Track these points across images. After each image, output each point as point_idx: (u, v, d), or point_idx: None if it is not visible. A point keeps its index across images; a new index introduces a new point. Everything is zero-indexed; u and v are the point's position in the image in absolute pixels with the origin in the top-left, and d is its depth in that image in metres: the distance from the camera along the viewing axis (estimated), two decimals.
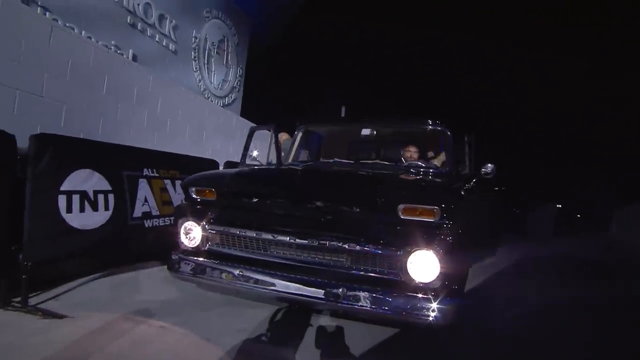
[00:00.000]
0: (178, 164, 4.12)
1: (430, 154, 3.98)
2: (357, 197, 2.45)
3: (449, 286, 2.16)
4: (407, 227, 2.24)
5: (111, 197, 3.21)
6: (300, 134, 4.16)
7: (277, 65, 15.79)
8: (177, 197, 3.99)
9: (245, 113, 10.03)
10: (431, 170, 3.33)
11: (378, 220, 2.33)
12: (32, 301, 2.63)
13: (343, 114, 13.05)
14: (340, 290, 2.29)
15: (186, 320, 2.58)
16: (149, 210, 3.62)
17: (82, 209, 2.96)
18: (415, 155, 3.97)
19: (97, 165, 3.11)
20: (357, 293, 2.25)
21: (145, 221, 3.56)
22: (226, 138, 7.40)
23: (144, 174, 3.65)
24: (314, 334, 2.50)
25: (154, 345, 2.22)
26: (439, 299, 2.12)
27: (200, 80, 8.63)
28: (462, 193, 2.59)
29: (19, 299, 2.55)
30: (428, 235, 2.18)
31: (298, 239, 2.39)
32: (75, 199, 2.90)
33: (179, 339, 2.32)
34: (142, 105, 5.46)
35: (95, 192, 3.08)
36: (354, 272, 2.32)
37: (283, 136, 5.45)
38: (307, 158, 4.24)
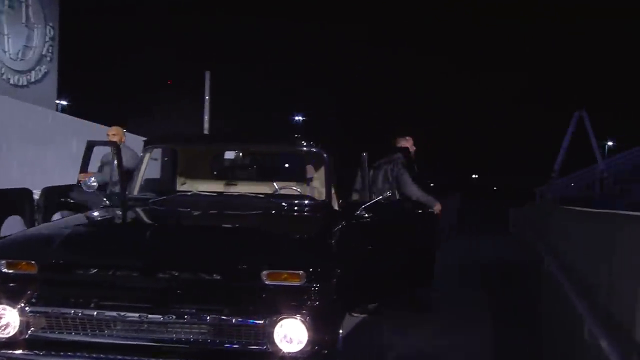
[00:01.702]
0: None
1: (310, 175, 4.19)
2: (217, 263, 2.53)
3: (318, 354, 2.39)
4: (272, 293, 2.40)
5: None
6: (148, 155, 3.94)
7: (113, 20, 14.12)
8: None
9: (63, 95, 8.97)
10: (306, 204, 3.57)
11: (241, 288, 2.45)
12: None
13: (207, 82, 12.53)
14: None
15: None
16: None
17: None
18: None
19: None
20: None
21: None
22: (41, 145, 6.35)
23: None
24: None
25: None
26: None
27: None
28: (336, 243, 2.88)
29: None
30: (295, 301, 2.38)
31: (150, 314, 2.39)
32: None
33: None
34: None
35: None
36: (217, 347, 2.40)
37: (112, 134, 5.03)
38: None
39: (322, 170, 3.93)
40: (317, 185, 4.13)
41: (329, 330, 2.52)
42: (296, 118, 30.50)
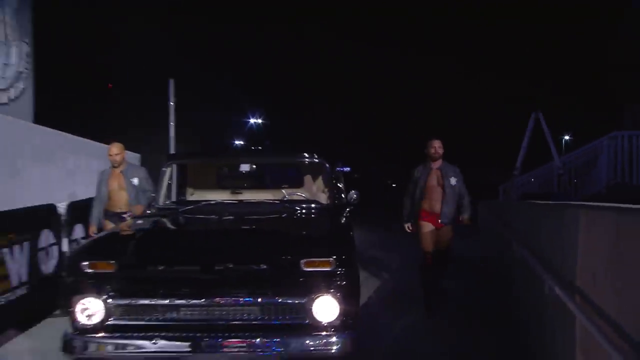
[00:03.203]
0: (10, 222, 4.09)
1: (309, 184, 5.04)
2: (264, 256, 3.27)
3: (346, 322, 3.19)
4: (309, 277, 3.18)
5: None
6: (169, 170, 4.73)
7: (80, 31, 14.81)
8: (14, 266, 4.13)
9: (42, 114, 9.44)
10: (314, 207, 4.41)
11: (284, 275, 3.20)
12: None
13: (172, 89, 13.57)
14: (258, 340, 3.13)
15: None
16: None
17: None
18: (441, 151, 4.97)
19: None
20: (273, 340, 3.11)
21: None
22: (44, 162, 6.70)
23: None
24: None
25: None
26: (340, 335, 3.14)
27: None
28: (347, 235, 3.69)
29: None
30: (327, 283, 3.16)
31: (212, 299, 3.11)
32: None
33: None
34: None
35: None
36: (267, 322, 3.15)
37: (116, 153, 5.29)
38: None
39: (322, 178, 4.90)
40: (317, 191, 5.05)
41: (353, 303, 3.35)
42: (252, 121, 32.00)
